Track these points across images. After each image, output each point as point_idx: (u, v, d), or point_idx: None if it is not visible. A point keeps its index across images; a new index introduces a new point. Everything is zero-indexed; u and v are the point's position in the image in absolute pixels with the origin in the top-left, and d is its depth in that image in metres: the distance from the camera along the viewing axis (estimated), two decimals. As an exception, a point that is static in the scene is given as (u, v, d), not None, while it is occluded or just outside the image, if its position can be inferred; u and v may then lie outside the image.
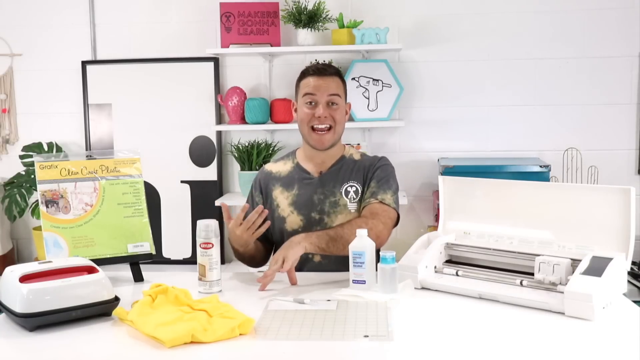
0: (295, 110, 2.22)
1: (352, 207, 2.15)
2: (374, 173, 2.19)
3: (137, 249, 2.02)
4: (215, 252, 1.84)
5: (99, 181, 2.02)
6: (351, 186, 2.17)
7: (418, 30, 3.71)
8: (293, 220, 2.16)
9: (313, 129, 2.14)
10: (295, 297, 1.74)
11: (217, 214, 3.74)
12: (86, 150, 3.84)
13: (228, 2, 3.60)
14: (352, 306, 1.69)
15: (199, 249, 1.84)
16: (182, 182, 3.87)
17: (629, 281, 3.21)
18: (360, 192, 2.17)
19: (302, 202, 2.16)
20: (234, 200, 3.62)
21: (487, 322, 1.58)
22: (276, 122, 3.64)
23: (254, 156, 3.60)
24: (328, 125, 2.13)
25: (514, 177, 3.23)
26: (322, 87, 2.13)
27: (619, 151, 3.67)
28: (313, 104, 2.14)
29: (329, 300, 1.73)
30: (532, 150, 3.70)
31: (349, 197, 2.16)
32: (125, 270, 2.03)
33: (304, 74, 2.19)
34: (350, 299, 1.74)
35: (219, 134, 3.84)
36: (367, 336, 1.48)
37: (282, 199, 2.19)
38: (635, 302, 1.70)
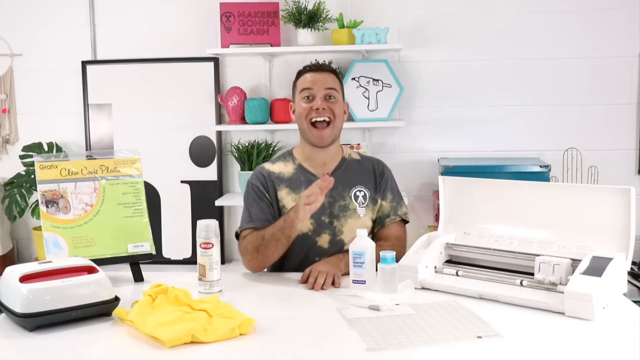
0: (294, 112, 2.20)
1: (361, 211, 2.15)
2: (387, 183, 2.20)
3: (137, 249, 2.02)
4: (216, 252, 1.83)
5: (99, 181, 2.02)
6: (360, 190, 2.16)
7: (418, 30, 3.71)
8: (303, 223, 2.11)
9: (312, 124, 2.11)
10: (370, 305, 1.68)
11: (217, 214, 3.75)
12: (86, 150, 3.85)
13: (228, 2, 3.60)
14: (425, 308, 1.66)
15: (199, 249, 1.84)
16: (182, 182, 3.87)
17: (629, 281, 3.21)
18: (368, 196, 2.17)
19: None
20: (234, 200, 3.62)
21: (487, 322, 1.58)
22: (276, 122, 3.64)
23: (254, 156, 3.60)
24: (327, 118, 2.11)
25: (514, 177, 3.23)
26: (319, 80, 2.13)
27: (619, 151, 3.67)
28: (311, 97, 2.12)
29: (397, 304, 1.69)
30: (532, 150, 3.70)
31: (358, 201, 2.15)
32: (125, 270, 2.03)
33: (301, 72, 2.19)
34: (351, 299, 1.74)
35: (219, 134, 3.84)
36: (481, 337, 1.47)
37: (290, 200, 2.15)
38: (635, 302, 1.70)
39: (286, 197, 2.16)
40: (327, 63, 3.56)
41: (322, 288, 1.84)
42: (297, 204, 1.96)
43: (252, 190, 2.19)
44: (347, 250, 2.05)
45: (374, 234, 2.20)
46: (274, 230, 2.01)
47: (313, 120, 2.11)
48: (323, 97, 2.12)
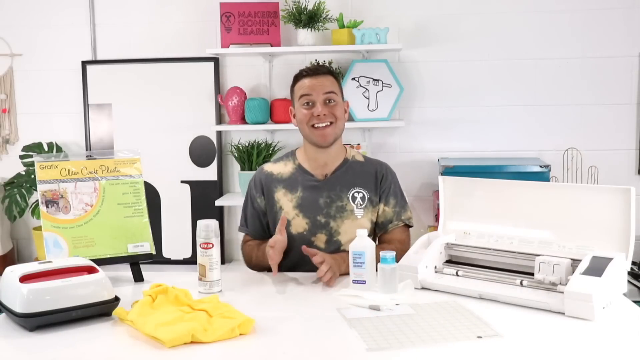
0: (294, 116, 2.20)
1: (359, 213, 2.14)
2: (390, 188, 2.20)
3: (137, 249, 2.02)
4: (215, 252, 1.84)
5: (99, 181, 2.02)
6: (358, 192, 2.16)
7: (418, 30, 3.71)
8: (298, 223, 2.14)
9: (314, 127, 2.13)
10: (370, 305, 1.69)
11: (217, 214, 3.75)
12: (86, 150, 3.85)
13: (228, 2, 3.60)
14: (425, 308, 1.66)
15: (199, 249, 1.84)
16: (182, 182, 3.87)
17: (629, 281, 3.21)
18: (366, 198, 2.16)
19: (307, 205, 2.15)
20: (234, 200, 3.62)
21: (487, 322, 1.58)
22: (276, 122, 3.64)
23: (254, 156, 3.60)
24: (329, 122, 2.12)
25: (514, 177, 3.23)
26: (317, 86, 2.12)
27: (619, 151, 3.67)
28: (310, 104, 2.12)
29: (397, 304, 1.69)
30: (532, 150, 3.70)
31: (355, 202, 2.15)
32: (125, 270, 2.03)
33: (297, 77, 2.19)
34: (351, 299, 1.74)
35: (219, 134, 3.84)
36: (481, 337, 1.46)
37: (286, 201, 2.17)
38: (635, 302, 1.70)
39: (283, 198, 2.18)
40: (327, 63, 3.58)
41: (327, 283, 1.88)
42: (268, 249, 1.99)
43: (248, 192, 2.28)
44: (344, 251, 2.05)
45: (377, 239, 2.21)
46: (257, 258, 2.14)
47: (315, 126, 2.12)
48: (322, 102, 2.12)
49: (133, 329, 1.54)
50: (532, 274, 1.73)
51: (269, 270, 2.13)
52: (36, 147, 3.77)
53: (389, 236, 2.18)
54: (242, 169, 3.66)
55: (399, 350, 1.41)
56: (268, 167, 2.26)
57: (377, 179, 2.20)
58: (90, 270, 1.69)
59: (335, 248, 2.12)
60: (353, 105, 3.58)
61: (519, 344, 1.44)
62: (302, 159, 2.22)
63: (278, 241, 1.96)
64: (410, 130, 3.76)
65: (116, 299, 1.66)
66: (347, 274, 1.90)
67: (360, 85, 3.61)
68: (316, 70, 2.17)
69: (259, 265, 2.15)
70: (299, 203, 2.15)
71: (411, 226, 2.23)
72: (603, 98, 3.65)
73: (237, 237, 3.79)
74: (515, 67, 3.69)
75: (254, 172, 3.46)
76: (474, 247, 1.90)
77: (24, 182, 3.75)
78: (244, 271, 2.18)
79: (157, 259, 3.75)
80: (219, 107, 3.80)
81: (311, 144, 2.17)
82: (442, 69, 3.72)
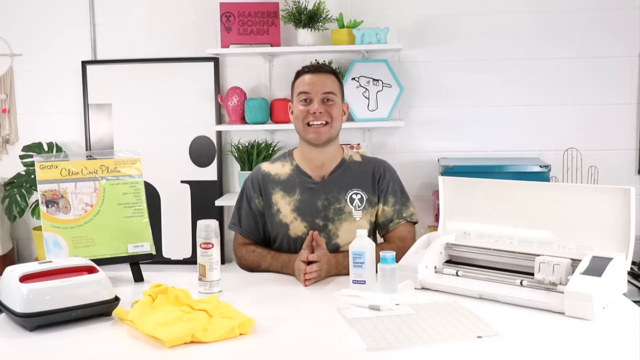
0: (292, 113, 2.19)
1: (357, 215, 2.13)
2: (388, 187, 2.18)
3: (137, 249, 2.02)
4: (216, 252, 1.84)
5: (99, 181, 2.02)
6: (356, 194, 2.15)
7: (418, 30, 3.71)
8: (297, 226, 2.13)
9: (309, 125, 2.11)
10: (370, 305, 1.69)
11: (217, 214, 3.75)
12: (86, 150, 3.85)
13: (228, 2, 3.60)
14: (425, 308, 1.66)
15: (199, 249, 1.84)
16: (182, 182, 3.87)
17: (629, 281, 3.21)
18: (365, 199, 2.15)
19: (305, 209, 2.13)
20: (234, 200, 3.61)
21: (487, 322, 1.58)
22: (276, 122, 3.64)
23: (254, 156, 3.60)
24: (324, 122, 2.10)
25: (514, 177, 3.23)
26: (317, 84, 2.11)
27: (619, 151, 3.67)
28: (308, 101, 2.11)
29: (397, 304, 1.69)
30: (532, 150, 3.70)
31: (354, 204, 2.14)
32: (125, 270, 2.03)
33: (299, 73, 2.18)
34: (351, 299, 1.74)
35: (219, 134, 3.84)
36: (481, 337, 1.46)
37: (284, 204, 2.16)
38: (635, 302, 1.70)
39: (281, 201, 2.17)
40: (327, 63, 3.58)
41: (306, 280, 1.89)
42: (295, 264, 1.98)
43: (244, 191, 2.26)
44: (342, 252, 2.05)
45: (381, 238, 2.21)
46: (270, 267, 2.10)
47: (310, 123, 2.11)
48: (320, 101, 2.11)
49: (133, 329, 1.54)
50: (532, 274, 1.73)
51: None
52: (36, 147, 3.77)
53: (390, 234, 2.17)
54: (242, 169, 3.66)
55: (399, 350, 1.41)
56: (265, 166, 2.24)
57: (375, 179, 2.19)
58: (90, 270, 1.69)
59: (334, 250, 2.11)
60: (353, 105, 3.58)
61: (518, 344, 1.44)
62: (299, 160, 2.21)
63: (318, 256, 1.93)
64: (410, 130, 3.76)
65: (116, 299, 1.66)
66: (336, 274, 1.92)
67: (360, 85, 3.61)
68: (319, 68, 2.16)
69: (265, 271, 2.12)
70: (297, 206, 2.14)
71: (415, 222, 2.21)
72: (603, 98, 3.66)
73: (237, 237, 3.80)
74: (515, 67, 3.69)
75: (254, 172, 3.49)
76: (473, 247, 1.90)
77: (24, 182, 3.75)
78: (244, 271, 2.18)
79: (157, 259, 3.75)
80: (219, 107, 3.80)
81: (305, 141, 2.16)
82: (442, 69, 3.72)
